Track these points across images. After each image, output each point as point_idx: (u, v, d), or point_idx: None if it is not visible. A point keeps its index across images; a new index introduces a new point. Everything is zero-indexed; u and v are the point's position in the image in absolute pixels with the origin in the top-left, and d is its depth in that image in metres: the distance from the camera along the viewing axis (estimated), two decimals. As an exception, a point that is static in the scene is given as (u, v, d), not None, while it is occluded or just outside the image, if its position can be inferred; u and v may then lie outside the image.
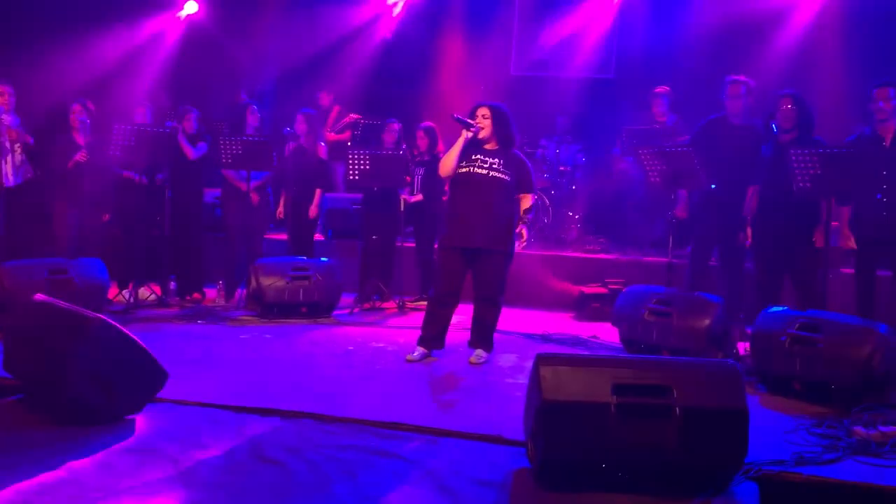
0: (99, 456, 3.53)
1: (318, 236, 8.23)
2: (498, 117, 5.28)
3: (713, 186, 6.05)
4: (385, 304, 7.39)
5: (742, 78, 6.13)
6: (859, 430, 3.87)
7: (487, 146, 5.30)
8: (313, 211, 7.56)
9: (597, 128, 9.33)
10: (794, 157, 5.24)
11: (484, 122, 5.27)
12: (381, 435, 3.88)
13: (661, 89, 8.16)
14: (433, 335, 5.38)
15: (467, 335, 5.49)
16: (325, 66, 10.27)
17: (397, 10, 10.61)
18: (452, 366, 5.27)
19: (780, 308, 5.00)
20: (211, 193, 8.14)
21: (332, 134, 9.51)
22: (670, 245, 6.07)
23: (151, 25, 9.88)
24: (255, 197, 7.35)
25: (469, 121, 5.24)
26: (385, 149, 7.42)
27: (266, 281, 6.64)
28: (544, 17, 10.33)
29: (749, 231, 5.99)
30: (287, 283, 6.66)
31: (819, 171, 5.16)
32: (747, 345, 5.15)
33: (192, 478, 3.35)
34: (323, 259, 7.12)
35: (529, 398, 3.46)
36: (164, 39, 10.00)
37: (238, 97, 9.52)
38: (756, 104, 6.19)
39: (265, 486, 3.30)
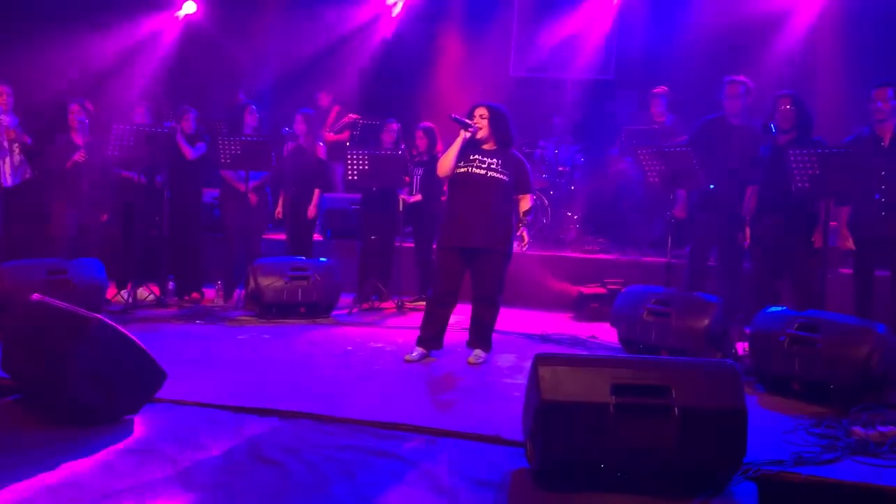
0: (97, 456, 3.53)
1: (316, 236, 8.23)
2: (496, 117, 5.29)
3: (712, 186, 6.05)
4: (384, 305, 7.39)
5: (741, 78, 6.13)
6: (858, 430, 3.87)
7: (486, 146, 5.30)
8: (312, 211, 7.55)
9: (595, 128, 9.34)
10: (792, 158, 5.24)
11: (482, 122, 5.27)
12: (379, 435, 3.88)
13: (659, 90, 8.17)
14: (432, 335, 5.38)
15: (466, 335, 5.48)
16: (324, 66, 10.28)
17: (396, 10, 10.61)
18: (451, 366, 5.27)
19: (779, 308, 5.01)
20: (209, 193, 8.14)
21: (331, 134, 9.51)
22: (669, 245, 6.07)
23: (150, 25, 9.88)
24: (253, 197, 7.35)
25: (467, 121, 5.24)
26: (384, 149, 7.42)
27: (264, 281, 6.63)
28: (543, 18, 10.33)
29: (748, 231, 5.99)
30: (285, 283, 6.66)
31: (818, 172, 5.16)
32: (746, 345, 5.15)
33: (190, 478, 3.35)
34: (321, 259, 7.12)
35: (528, 398, 3.45)
36: (163, 39, 10.00)
37: (236, 97, 9.52)
38: (755, 104, 6.19)
39: (263, 486, 3.30)
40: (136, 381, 4.02)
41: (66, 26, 8.60)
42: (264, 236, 7.85)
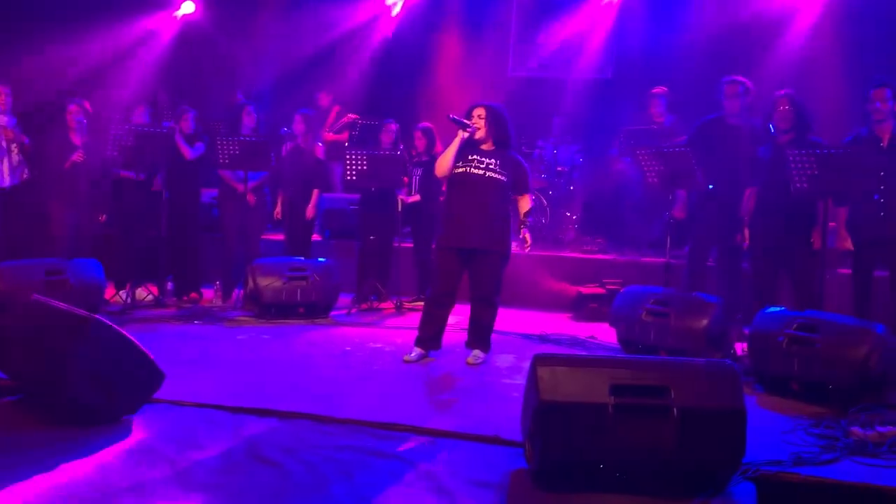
0: (96, 457, 3.53)
1: (315, 237, 8.22)
2: (494, 118, 5.28)
3: (711, 187, 6.05)
4: (382, 305, 7.39)
5: (739, 78, 6.14)
6: (857, 430, 3.87)
7: (484, 146, 5.30)
8: (310, 212, 7.55)
9: (594, 128, 9.33)
10: (791, 158, 5.24)
11: (480, 122, 5.26)
12: (378, 435, 3.88)
13: (658, 90, 8.17)
14: (430, 336, 5.38)
15: (465, 336, 5.48)
16: (323, 66, 10.27)
17: (396, 10, 10.60)
18: (450, 366, 5.27)
19: (778, 308, 5.01)
20: (208, 194, 8.13)
21: (331, 134, 9.50)
22: (668, 245, 6.07)
23: (149, 26, 9.88)
24: (251, 197, 7.34)
25: (465, 121, 5.24)
26: (382, 149, 7.42)
27: (263, 281, 6.63)
28: (542, 18, 10.33)
29: (746, 232, 5.99)
30: (284, 283, 6.66)
31: (816, 172, 5.16)
32: (745, 345, 5.15)
33: (189, 479, 3.34)
34: (320, 259, 7.12)
35: (527, 399, 3.45)
36: (162, 40, 10.00)
37: (235, 98, 9.51)
38: (754, 105, 6.19)
39: (262, 486, 3.30)
40: (135, 381, 4.02)
41: (65, 26, 8.59)
42: (263, 236, 7.85)
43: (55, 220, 7.17)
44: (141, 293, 7.16)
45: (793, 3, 8.73)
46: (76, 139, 7.12)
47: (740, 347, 5.39)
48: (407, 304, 7.35)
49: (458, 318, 5.80)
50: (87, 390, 3.84)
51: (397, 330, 6.39)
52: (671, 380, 3.28)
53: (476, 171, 5.20)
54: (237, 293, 7.23)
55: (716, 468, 3.31)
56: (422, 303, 5.78)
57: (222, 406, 4.22)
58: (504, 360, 5.49)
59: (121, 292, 7.14)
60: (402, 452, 3.70)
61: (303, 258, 7.09)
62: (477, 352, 5.36)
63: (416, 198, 7.53)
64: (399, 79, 10.33)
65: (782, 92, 5.82)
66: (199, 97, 9.11)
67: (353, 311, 7.14)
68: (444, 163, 5.27)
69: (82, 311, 3.98)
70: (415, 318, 5.78)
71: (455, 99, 8.53)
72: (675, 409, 3.21)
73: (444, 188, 5.67)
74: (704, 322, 5.23)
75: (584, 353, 5.60)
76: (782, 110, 5.73)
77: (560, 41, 10.12)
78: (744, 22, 8.65)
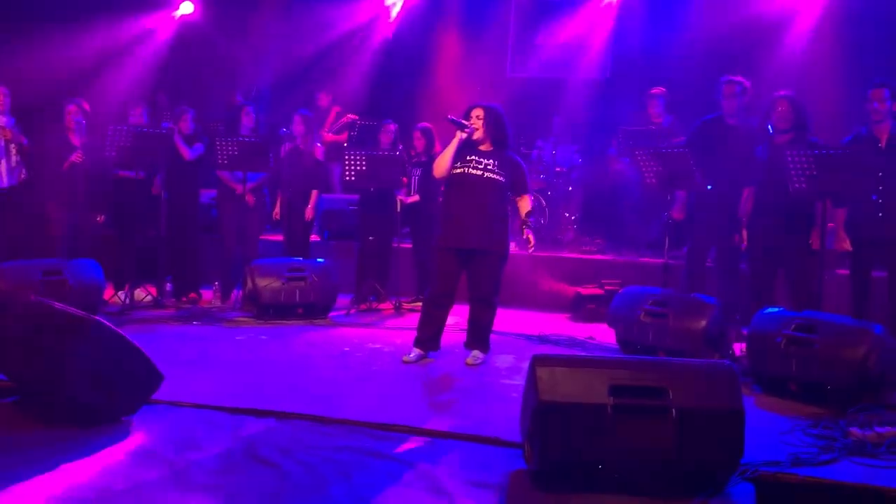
0: (95, 457, 3.52)
1: (314, 237, 8.22)
2: (492, 118, 5.28)
3: (709, 187, 6.06)
4: (381, 305, 7.38)
5: (737, 78, 6.14)
6: (855, 430, 3.88)
7: (482, 147, 5.30)
8: (310, 213, 7.55)
9: (593, 129, 9.33)
10: (789, 158, 5.24)
11: (478, 123, 5.26)
12: (376, 436, 3.88)
13: (656, 90, 8.17)
14: (429, 336, 5.38)
15: (464, 336, 5.48)
16: (323, 67, 10.28)
17: (395, 11, 10.60)
18: (449, 367, 5.27)
19: (776, 309, 5.01)
20: (207, 194, 8.13)
21: (330, 135, 9.50)
22: (666, 246, 6.08)
23: (148, 26, 9.87)
24: (250, 198, 7.34)
25: (463, 122, 5.24)
26: (381, 150, 7.42)
27: (262, 282, 6.62)
28: (540, 19, 10.34)
29: (744, 232, 6.00)
30: (283, 284, 6.65)
31: (815, 172, 5.17)
32: (743, 345, 5.15)
33: (187, 479, 3.34)
34: (319, 260, 7.11)
35: (526, 399, 3.45)
36: (161, 40, 9.99)
37: (233, 98, 9.51)
38: (753, 105, 6.20)
39: (261, 487, 3.30)
40: (134, 382, 4.01)
41: (62, 26, 8.59)
42: (262, 237, 7.85)
43: (54, 221, 7.16)
44: (139, 294, 7.16)
45: (791, 4, 8.74)
46: (75, 140, 7.12)
47: (739, 348, 5.39)
48: (406, 305, 7.35)
49: (456, 319, 5.81)
50: (85, 391, 3.84)
51: (396, 331, 6.39)
52: (670, 380, 3.28)
53: (474, 171, 5.20)
54: (236, 294, 7.23)
55: (714, 469, 3.31)
56: (420, 303, 5.79)
57: (221, 407, 4.22)
58: (503, 360, 5.50)
59: (119, 293, 7.13)
60: (400, 453, 3.70)
61: (301, 259, 7.09)
62: (476, 352, 5.36)
63: (415, 198, 7.53)
64: (398, 79, 10.33)
65: (781, 93, 5.83)
66: (198, 98, 9.09)
67: (352, 311, 7.14)
68: (442, 163, 5.27)
69: (81, 312, 3.98)
70: (414, 319, 5.78)
71: (454, 99, 8.54)
72: (673, 410, 3.21)
73: (442, 189, 5.68)
74: (703, 323, 5.23)
75: (582, 354, 5.59)
76: (781, 111, 5.73)
77: (559, 42, 10.12)
78: (742, 23, 8.64)
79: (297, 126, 7.54)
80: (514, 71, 10.58)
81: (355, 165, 7.05)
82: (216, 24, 10.16)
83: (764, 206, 5.83)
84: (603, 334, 6.24)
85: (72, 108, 7.13)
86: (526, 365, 3.45)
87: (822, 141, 5.74)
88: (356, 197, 7.94)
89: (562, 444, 3.25)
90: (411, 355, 5.36)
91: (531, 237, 5.26)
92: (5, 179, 7.02)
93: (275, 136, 8.15)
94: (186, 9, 10.13)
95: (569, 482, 3.30)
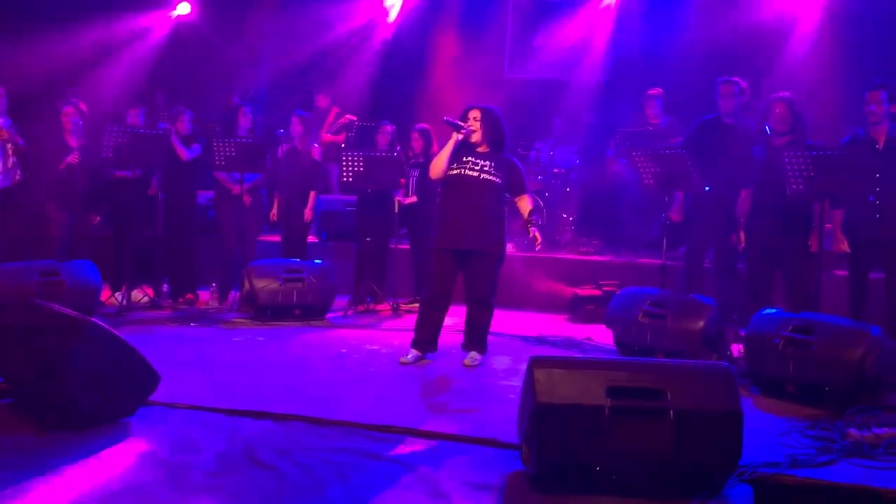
0: (92, 459, 3.52)
1: (312, 238, 8.21)
2: (489, 120, 5.28)
3: (707, 188, 6.06)
4: (379, 307, 7.37)
5: (735, 78, 6.15)
6: (853, 432, 3.87)
7: (479, 149, 5.30)
8: (308, 214, 7.54)
9: (591, 130, 9.33)
10: (787, 160, 5.25)
11: (476, 124, 5.26)
12: (374, 438, 3.88)
13: (654, 91, 8.18)
14: (426, 338, 5.37)
15: (461, 338, 5.48)
16: (321, 67, 10.27)
17: (393, 14, 10.59)
18: (446, 368, 5.26)
19: (774, 310, 5.01)
20: (204, 195, 8.12)
21: (328, 135, 9.49)
22: (664, 247, 6.08)
23: (145, 26, 9.86)
24: (247, 198, 7.33)
25: (460, 123, 5.24)
26: (379, 151, 7.42)
27: (259, 283, 6.61)
28: (539, 20, 10.33)
29: (742, 234, 6.00)
30: (280, 285, 6.64)
31: (812, 174, 5.17)
32: (741, 347, 5.16)
33: (185, 481, 3.34)
34: (316, 261, 7.11)
35: (524, 401, 3.45)
36: (159, 41, 9.98)
37: (230, 99, 9.50)
38: (749, 105, 6.21)
39: (258, 488, 3.29)
40: (131, 384, 4.01)
41: (58, 25, 8.57)
42: (259, 238, 7.84)
43: (51, 222, 7.16)
44: (136, 295, 7.15)
45: (790, 6, 8.74)
46: (72, 141, 7.11)
47: (736, 349, 5.40)
48: (403, 306, 7.34)
49: (454, 320, 5.80)
50: (82, 393, 3.83)
51: (394, 332, 6.38)
52: (667, 382, 3.28)
53: (470, 173, 5.20)
54: (233, 295, 7.22)
55: (712, 470, 3.31)
56: (418, 305, 5.78)
57: (218, 408, 4.22)
58: (500, 361, 5.49)
59: (116, 294, 7.12)
60: (398, 455, 3.69)
61: (299, 260, 7.08)
62: (473, 354, 5.36)
63: (413, 199, 7.52)
64: (396, 80, 10.32)
65: (778, 95, 5.84)
66: (195, 98, 9.09)
67: (350, 312, 7.13)
68: (439, 165, 5.27)
69: (78, 314, 3.97)
70: (411, 320, 5.77)
71: (452, 100, 8.53)
72: (671, 412, 3.21)
73: (439, 190, 5.67)
74: (701, 324, 5.24)
75: (580, 356, 5.59)
76: (778, 113, 5.74)
77: (557, 43, 10.12)
78: (740, 25, 8.66)
79: (295, 127, 7.53)
80: (513, 72, 10.58)
81: (353, 166, 7.05)
82: (213, 24, 10.15)
83: (761, 208, 5.83)
84: (601, 335, 6.23)
85: (68, 109, 7.13)
86: (523, 366, 3.45)
87: (819, 143, 5.74)
88: (354, 198, 7.93)
89: (559, 445, 3.25)
90: (409, 357, 5.35)
91: (538, 235, 5.23)
92: (1, 180, 7.00)
93: (272, 136, 8.13)
94: (183, 9, 10.12)
95: (566, 484, 3.30)
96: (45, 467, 3.39)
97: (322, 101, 9.73)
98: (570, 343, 6.16)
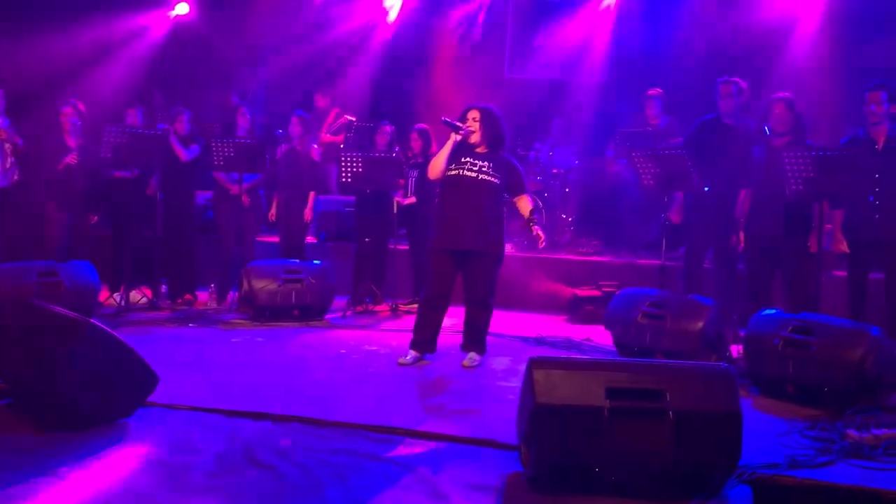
0: (90, 460, 3.51)
1: (310, 239, 8.20)
2: (488, 120, 5.27)
3: (707, 189, 6.06)
4: (378, 307, 7.37)
5: (734, 78, 6.15)
6: (852, 432, 3.87)
7: (478, 149, 5.29)
8: (308, 214, 7.53)
9: (590, 130, 9.33)
10: (787, 160, 5.25)
11: (475, 124, 5.25)
12: (373, 439, 3.87)
13: (653, 91, 8.18)
14: (425, 339, 5.37)
15: (460, 338, 5.47)
16: (320, 68, 10.27)
17: (393, 15, 10.58)
18: (445, 369, 5.26)
19: (773, 311, 5.01)
20: (202, 196, 8.11)
21: (328, 136, 9.48)
22: (663, 248, 6.07)
23: (144, 27, 9.85)
24: (246, 199, 7.33)
25: (458, 124, 5.23)
26: (378, 151, 7.41)
27: (258, 284, 6.61)
28: (538, 20, 10.33)
29: (742, 234, 5.99)
30: (279, 286, 6.63)
31: (812, 174, 5.17)
32: (740, 347, 5.15)
33: (184, 482, 3.33)
34: (315, 262, 7.10)
35: (523, 402, 3.44)
36: (157, 41, 9.97)
37: (229, 99, 9.49)
38: (748, 105, 6.20)
39: (257, 489, 3.28)
40: (129, 384, 4.00)
41: (58, 25, 8.56)
42: (258, 239, 7.83)
43: (49, 222, 7.15)
44: (135, 296, 7.13)
45: (790, 7, 8.74)
46: (70, 141, 7.10)
47: (736, 350, 5.39)
48: (402, 307, 7.33)
49: (453, 321, 5.79)
50: (81, 394, 3.83)
51: (393, 332, 6.37)
52: (667, 383, 3.28)
53: (469, 173, 5.20)
54: (232, 296, 7.21)
55: (711, 471, 3.31)
56: (417, 305, 5.77)
57: (217, 409, 4.21)
58: (500, 362, 5.48)
59: (115, 295, 7.11)
60: (397, 456, 3.68)
61: (298, 260, 7.07)
62: (472, 354, 5.35)
63: (412, 200, 7.52)
64: (396, 80, 10.32)
65: (778, 95, 5.83)
66: (194, 98, 9.07)
67: (349, 313, 7.12)
68: (437, 165, 5.26)
69: (76, 315, 3.97)
70: (410, 321, 5.77)
71: (452, 100, 8.52)
72: (670, 413, 3.20)
73: (437, 190, 5.67)
74: (700, 324, 5.23)
75: (579, 356, 5.58)
76: (777, 113, 5.74)
77: (557, 43, 10.11)
78: (740, 24, 8.65)
79: (294, 127, 7.52)
80: (512, 72, 10.58)
81: (352, 167, 7.04)
82: (212, 24, 10.14)
83: (761, 208, 5.83)
84: (600, 336, 6.23)
85: (67, 109, 7.12)
86: (522, 367, 3.45)
87: (819, 143, 5.73)
88: (353, 198, 7.92)
89: (558, 446, 3.24)
90: (407, 357, 5.34)
91: (541, 233, 5.23)
92: None
93: (271, 137, 8.12)
94: (182, 10, 10.11)
95: (565, 485, 3.29)
96: (44, 468, 3.38)
97: (321, 101, 9.72)
98: (569, 344, 6.15)
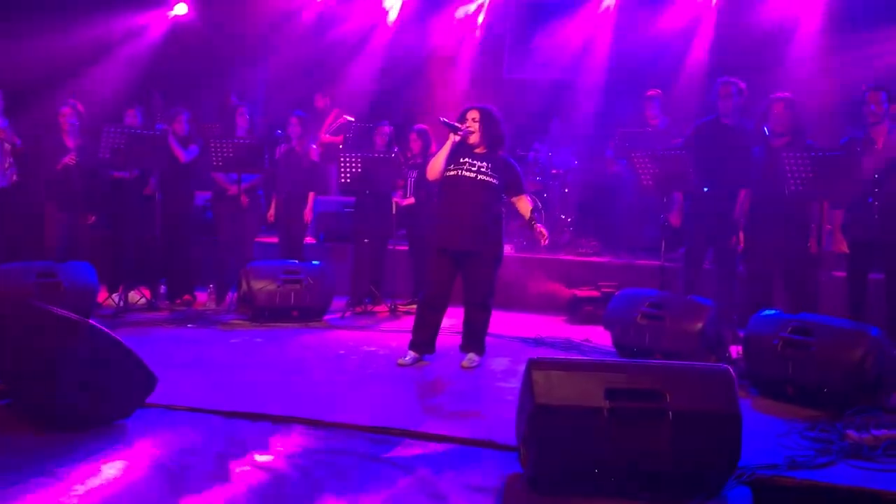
0: (89, 461, 3.50)
1: (309, 239, 8.20)
2: (487, 120, 5.27)
3: (706, 190, 6.05)
4: (377, 308, 7.36)
5: (733, 79, 6.14)
6: (851, 433, 3.87)
7: (477, 150, 5.28)
8: (308, 215, 7.52)
9: (590, 130, 9.33)
10: (786, 160, 5.24)
11: (474, 125, 5.25)
12: (372, 440, 3.87)
13: (653, 92, 8.17)
14: (424, 339, 5.36)
15: (459, 339, 5.46)
16: (319, 68, 10.26)
17: (392, 16, 10.57)
18: (444, 370, 5.25)
19: (773, 311, 5.00)
20: (201, 196, 8.10)
21: (327, 136, 9.48)
22: (663, 248, 6.07)
23: (143, 27, 9.85)
24: (244, 199, 7.32)
25: (456, 124, 5.23)
26: (376, 152, 7.40)
27: (257, 284, 6.60)
28: (538, 21, 10.32)
29: (741, 235, 5.99)
30: (278, 286, 6.63)
31: (811, 175, 5.16)
32: (740, 348, 5.15)
33: (183, 483, 3.33)
34: (314, 262, 7.09)
35: (522, 402, 3.44)
36: (156, 41, 9.96)
37: (228, 99, 9.48)
38: (747, 106, 6.20)
39: (256, 491, 3.28)
40: (128, 385, 3.99)
41: (57, 25, 8.56)
42: (257, 239, 7.82)
43: (48, 223, 7.14)
44: (134, 296, 7.12)
45: (790, 7, 8.73)
46: (69, 141, 7.09)
47: (735, 350, 5.38)
48: (401, 308, 7.33)
49: (452, 322, 5.79)
50: (79, 395, 3.82)
51: (392, 333, 6.37)
52: (666, 383, 3.27)
53: (467, 174, 5.19)
54: (231, 296, 7.21)
55: (711, 472, 3.30)
56: (416, 306, 5.76)
57: (216, 410, 4.20)
58: (499, 363, 5.48)
59: (113, 295, 7.10)
60: (395, 457, 3.68)
61: (297, 261, 7.06)
62: (471, 355, 5.34)
63: (411, 200, 7.51)
64: (395, 81, 10.31)
65: (777, 95, 5.83)
66: (193, 99, 9.07)
67: (348, 314, 7.12)
68: (435, 166, 5.26)
69: (75, 315, 3.96)
70: (409, 322, 5.76)
71: (451, 100, 8.52)
72: (670, 413, 3.20)
73: (436, 191, 5.66)
74: (699, 325, 5.22)
75: (578, 357, 5.58)
76: (777, 113, 5.74)
77: (556, 44, 10.11)
78: (741, 24, 8.65)
79: (294, 127, 7.52)
80: (512, 73, 10.57)
81: (351, 167, 7.03)
82: (211, 24, 10.13)
83: (760, 208, 5.82)
84: (599, 337, 6.22)
85: (66, 109, 7.11)
86: (522, 368, 3.44)
87: (819, 143, 5.73)
88: (352, 199, 7.92)
89: (557, 447, 3.24)
90: (406, 358, 5.34)
91: (543, 230, 5.22)
92: (-1, 181, 7.00)
93: (270, 137, 8.11)
94: (180, 10, 10.10)
95: (565, 486, 3.29)
96: (42, 469, 3.37)
97: (321, 101, 9.72)
98: (568, 344, 6.14)
